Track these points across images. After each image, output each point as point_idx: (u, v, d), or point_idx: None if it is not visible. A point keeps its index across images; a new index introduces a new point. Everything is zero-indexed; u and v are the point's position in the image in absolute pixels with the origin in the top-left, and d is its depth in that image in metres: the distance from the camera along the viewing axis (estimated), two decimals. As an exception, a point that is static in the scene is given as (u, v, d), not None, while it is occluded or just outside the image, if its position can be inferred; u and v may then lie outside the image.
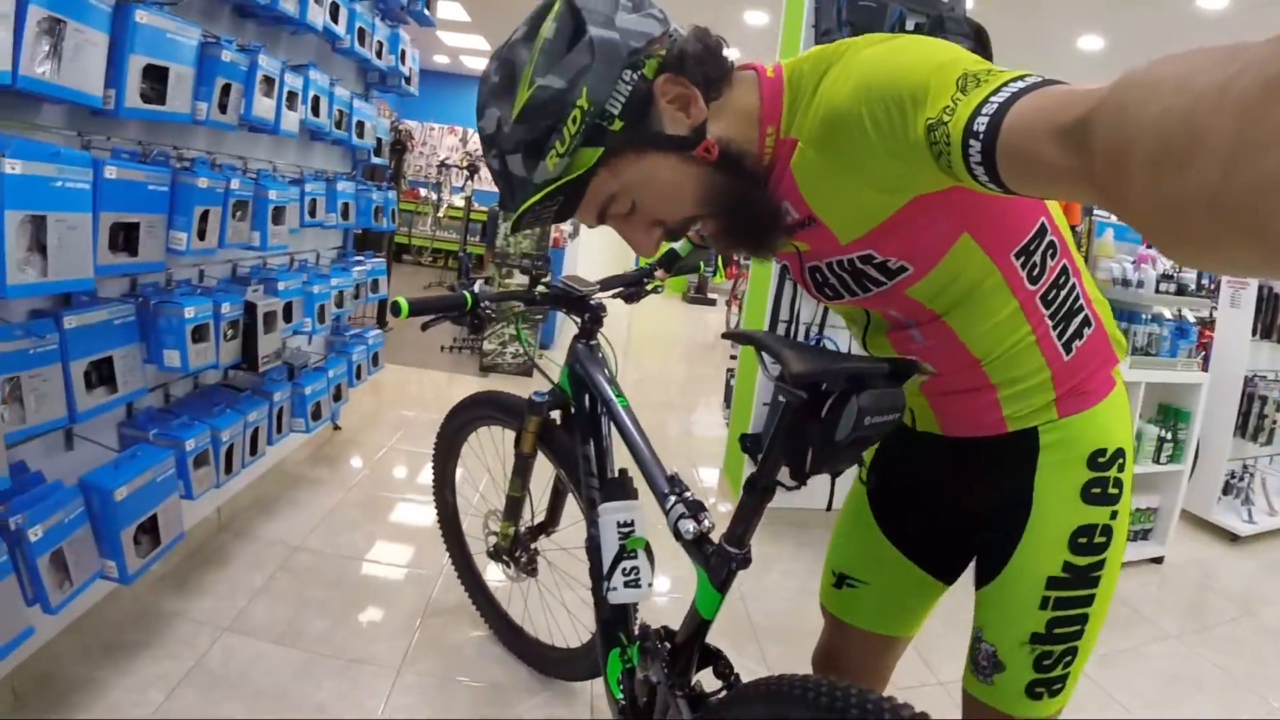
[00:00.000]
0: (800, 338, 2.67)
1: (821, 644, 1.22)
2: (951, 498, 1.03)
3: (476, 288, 1.38)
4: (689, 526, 1.05)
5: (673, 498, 1.10)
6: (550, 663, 1.83)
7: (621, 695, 1.27)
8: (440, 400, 1.78)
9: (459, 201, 7.43)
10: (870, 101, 0.67)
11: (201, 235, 1.74)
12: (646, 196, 0.82)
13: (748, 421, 2.79)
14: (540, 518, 1.80)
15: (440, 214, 7.51)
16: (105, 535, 1.48)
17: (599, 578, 1.29)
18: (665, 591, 2.32)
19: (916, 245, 0.81)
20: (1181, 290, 2.78)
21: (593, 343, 1.46)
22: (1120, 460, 0.91)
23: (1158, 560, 3.04)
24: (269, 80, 1.91)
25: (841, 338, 2.73)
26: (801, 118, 0.78)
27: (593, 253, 6.54)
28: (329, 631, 1.90)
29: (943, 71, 0.61)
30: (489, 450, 1.95)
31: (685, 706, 1.04)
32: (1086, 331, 0.90)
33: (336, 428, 3.23)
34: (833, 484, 1.08)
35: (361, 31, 2.40)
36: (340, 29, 2.22)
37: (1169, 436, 2.91)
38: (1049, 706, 0.94)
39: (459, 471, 2.01)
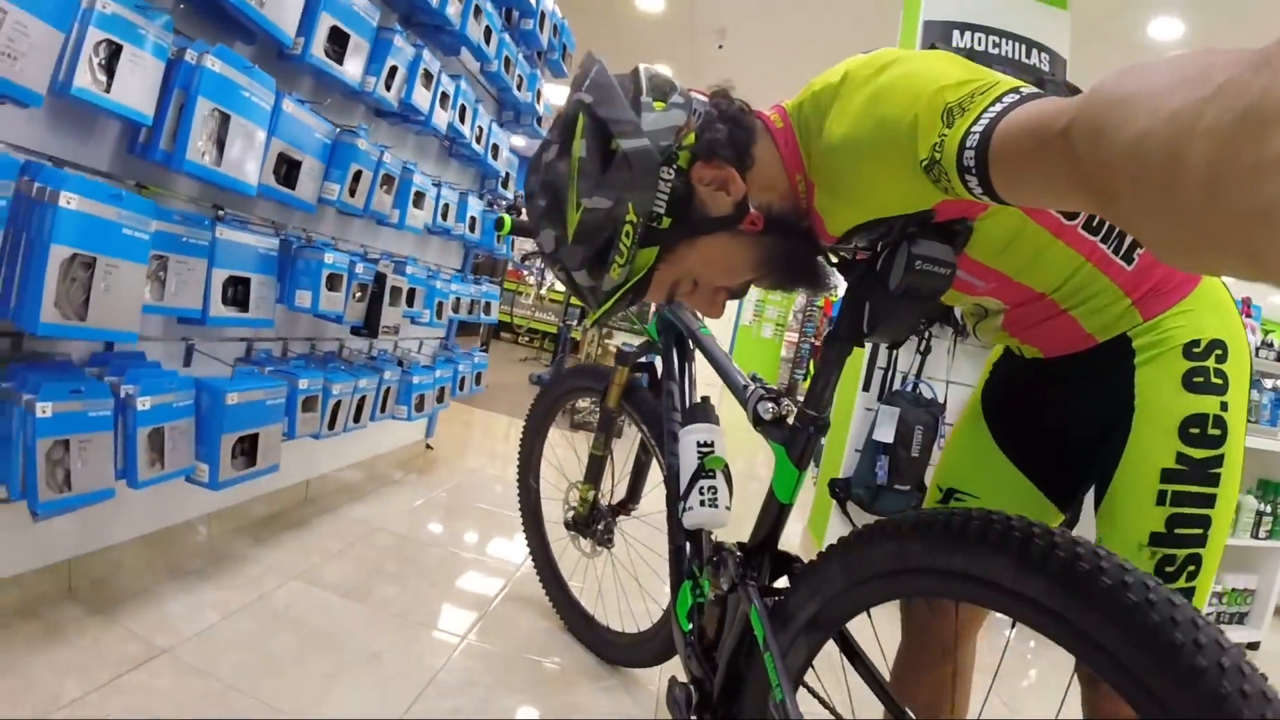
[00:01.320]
0: (896, 386, 2.60)
1: None
2: (1061, 411, 1.00)
3: None
4: (768, 407, 1.05)
5: (752, 385, 1.10)
6: (619, 649, 1.74)
7: (690, 627, 1.19)
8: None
9: (561, 286, 7.76)
10: (866, 151, 0.73)
11: (351, 193, 1.88)
12: (706, 273, 0.87)
13: (838, 468, 2.67)
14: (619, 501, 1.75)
15: (543, 293, 7.85)
16: (206, 435, 1.52)
17: (675, 503, 1.26)
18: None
19: None
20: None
21: None
22: (1218, 351, 0.87)
23: (1253, 646, 2.75)
24: (429, 75, 2.10)
25: (939, 388, 2.62)
26: (815, 161, 0.83)
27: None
28: (399, 597, 1.86)
29: (929, 109, 0.64)
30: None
31: (756, 593, 0.97)
32: None
33: (429, 447, 3.29)
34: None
35: (507, 61, 2.63)
36: (490, 51, 2.44)
37: (1269, 510, 2.68)
38: None
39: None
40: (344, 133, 1.83)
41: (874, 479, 2.52)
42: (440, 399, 2.69)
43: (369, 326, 2.08)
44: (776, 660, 0.88)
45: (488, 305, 3.09)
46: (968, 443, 1.11)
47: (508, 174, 3.06)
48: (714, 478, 1.15)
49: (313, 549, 2.03)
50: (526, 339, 8.44)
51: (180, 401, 1.44)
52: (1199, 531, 0.85)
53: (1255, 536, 2.75)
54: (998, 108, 0.57)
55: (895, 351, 2.62)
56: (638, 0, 5.22)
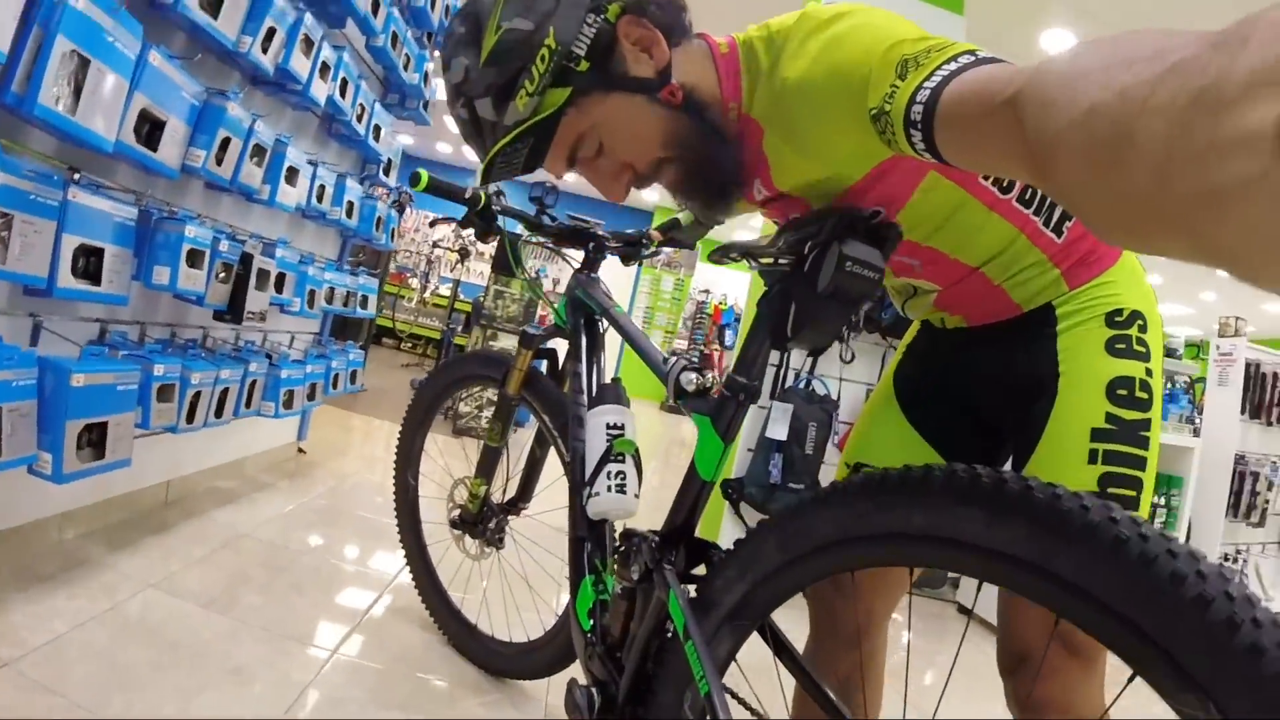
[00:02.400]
0: (789, 382, 2.66)
1: None
2: (980, 379, 1.01)
3: (494, 203, 1.42)
4: (690, 378, 0.99)
5: (673, 359, 1.04)
6: (504, 660, 1.64)
7: (591, 626, 1.12)
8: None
9: (445, 291, 7.54)
10: (817, 95, 0.73)
11: (219, 163, 1.72)
12: (614, 137, 0.84)
13: (730, 468, 2.70)
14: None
15: (426, 296, 7.56)
16: (49, 422, 1.34)
17: (578, 491, 1.19)
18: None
19: (885, 195, 0.84)
20: (1170, 353, 2.85)
21: (594, 275, 1.43)
22: (1139, 321, 0.91)
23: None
24: (309, 42, 1.96)
25: (831, 385, 2.72)
26: (761, 101, 0.82)
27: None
28: (264, 607, 1.70)
29: (884, 59, 0.64)
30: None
31: (674, 577, 0.90)
32: None
33: (301, 450, 3.06)
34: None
35: (395, 37, 2.49)
36: (378, 24, 2.31)
37: (1162, 503, 2.90)
38: None
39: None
40: (214, 95, 1.68)
41: (767, 478, 2.52)
42: (311, 396, 2.51)
43: (232, 311, 1.91)
44: (700, 649, 0.80)
45: (365, 299, 2.93)
46: (878, 417, 1.10)
47: (389, 160, 2.91)
48: (623, 462, 1.07)
49: (172, 555, 1.83)
50: (409, 345, 8.10)
51: (20, 380, 1.26)
52: (1133, 494, 0.85)
53: (1150, 531, 2.99)
54: (952, 66, 0.56)
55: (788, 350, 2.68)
56: None
